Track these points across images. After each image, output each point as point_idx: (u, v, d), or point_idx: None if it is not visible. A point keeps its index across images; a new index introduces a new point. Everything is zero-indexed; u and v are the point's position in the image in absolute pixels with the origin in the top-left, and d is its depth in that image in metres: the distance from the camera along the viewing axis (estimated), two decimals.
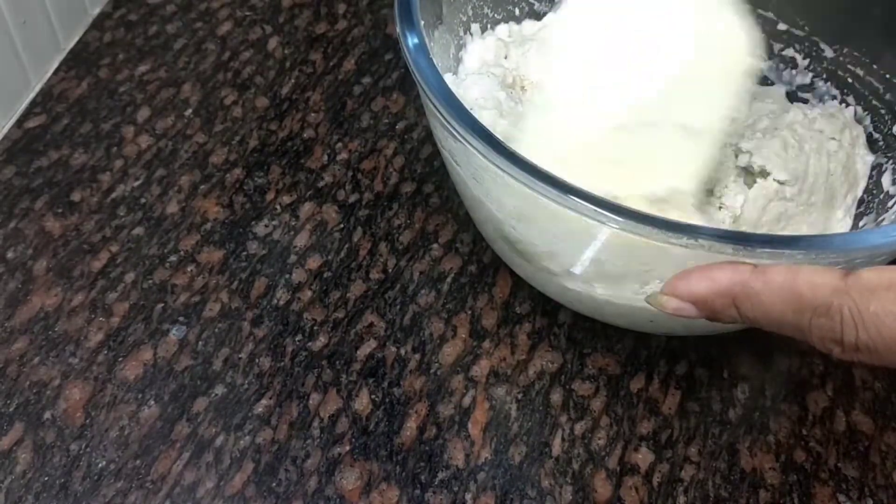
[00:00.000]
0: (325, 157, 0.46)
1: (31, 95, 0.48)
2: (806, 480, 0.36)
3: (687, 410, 0.37)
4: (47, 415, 0.36)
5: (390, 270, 0.41)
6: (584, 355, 0.39)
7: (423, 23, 0.34)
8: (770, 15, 0.44)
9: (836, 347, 0.25)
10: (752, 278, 0.26)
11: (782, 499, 0.35)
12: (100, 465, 0.35)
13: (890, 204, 0.38)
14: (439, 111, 0.31)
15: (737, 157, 0.37)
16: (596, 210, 0.28)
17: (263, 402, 0.37)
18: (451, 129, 0.30)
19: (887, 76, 0.40)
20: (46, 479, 0.35)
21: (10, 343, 0.38)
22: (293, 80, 0.49)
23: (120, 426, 0.36)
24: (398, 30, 0.33)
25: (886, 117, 0.40)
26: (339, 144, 0.46)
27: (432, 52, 0.33)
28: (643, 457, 0.36)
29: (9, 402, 0.36)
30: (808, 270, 0.25)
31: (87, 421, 0.36)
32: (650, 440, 0.36)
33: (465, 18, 0.42)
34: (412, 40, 0.33)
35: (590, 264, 0.32)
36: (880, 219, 0.38)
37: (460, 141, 0.30)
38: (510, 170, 0.29)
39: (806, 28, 0.43)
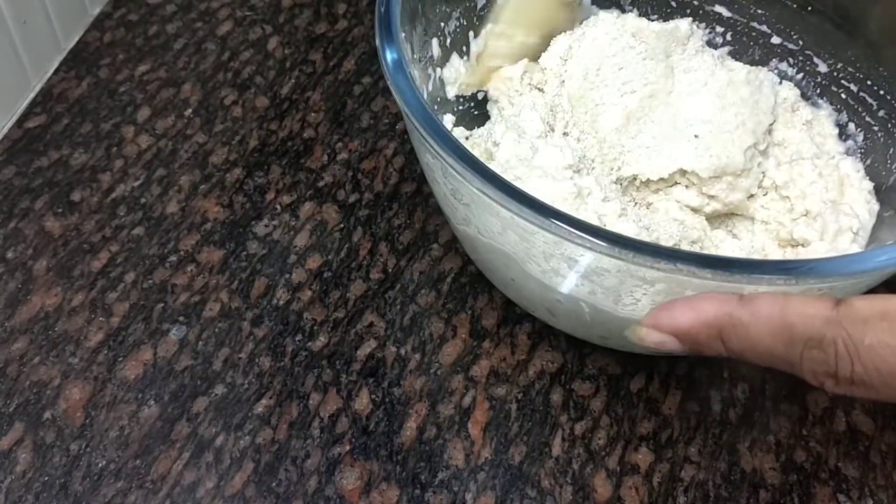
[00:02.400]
0: (325, 157, 0.46)
1: (31, 95, 0.48)
2: (806, 480, 0.36)
3: (687, 410, 0.37)
4: (47, 415, 0.36)
5: (390, 270, 0.41)
6: (584, 355, 0.39)
7: (402, 35, 0.33)
8: (764, 28, 0.44)
9: (829, 381, 0.24)
10: (738, 309, 0.25)
11: (782, 499, 0.35)
12: (100, 465, 0.35)
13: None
14: (419, 131, 0.30)
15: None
16: (574, 233, 0.27)
17: (263, 402, 0.37)
18: (429, 146, 0.30)
19: (881, 92, 0.40)
20: (46, 479, 0.35)
21: (10, 343, 0.38)
22: (293, 80, 0.49)
23: (120, 426, 0.36)
24: (377, 43, 0.32)
25: (879, 134, 0.40)
26: (339, 144, 0.46)
27: (413, 65, 0.32)
28: (643, 457, 0.36)
29: (9, 402, 0.36)
30: (797, 301, 0.24)
31: (87, 421, 0.36)
32: (650, 440, 0.36)
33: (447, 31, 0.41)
34: (391, 55, 0.32)
35: (573, 287, 0.32)
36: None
37: (438, 159, 0.30)
38: (488, 190, 0.28)
39: (800, 42, 0.43)
